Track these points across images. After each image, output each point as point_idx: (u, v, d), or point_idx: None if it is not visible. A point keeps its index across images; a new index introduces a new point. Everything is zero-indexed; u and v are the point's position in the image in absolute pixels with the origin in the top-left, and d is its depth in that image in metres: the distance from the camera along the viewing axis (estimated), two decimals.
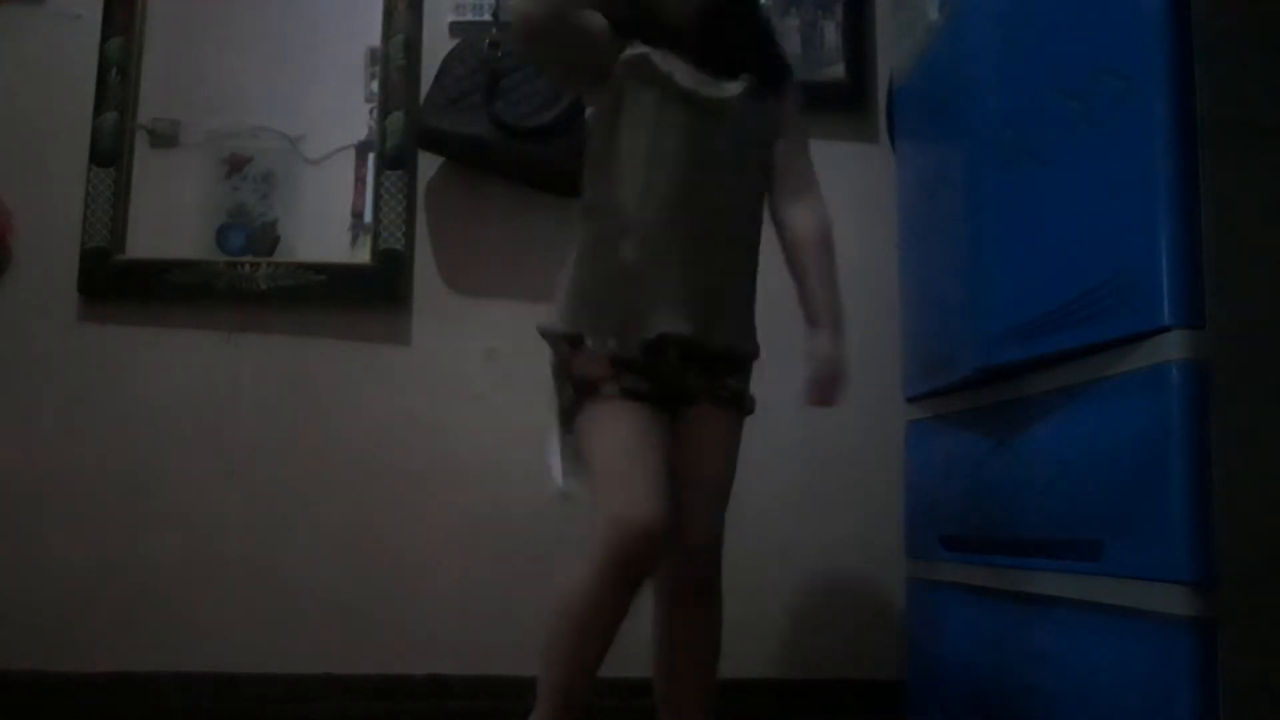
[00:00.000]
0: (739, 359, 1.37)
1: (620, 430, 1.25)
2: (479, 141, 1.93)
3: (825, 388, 1.34)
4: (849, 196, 2.09)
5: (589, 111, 1.39)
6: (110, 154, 2.03)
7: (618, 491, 1.20)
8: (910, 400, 1.85)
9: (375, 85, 2.09)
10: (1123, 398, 1.19)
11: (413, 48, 2.07)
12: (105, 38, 2.07)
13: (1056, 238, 1.32)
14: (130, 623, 1.92)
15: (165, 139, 2.11)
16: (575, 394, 1.29)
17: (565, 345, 1.31)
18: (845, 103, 2.11)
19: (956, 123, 1.64)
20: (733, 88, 1.32)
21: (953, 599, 1.63)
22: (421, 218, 2.06)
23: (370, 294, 2.02)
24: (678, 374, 1.30)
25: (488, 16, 2.08)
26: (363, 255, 2.04)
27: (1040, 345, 1.34)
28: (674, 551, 1.26)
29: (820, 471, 2.01)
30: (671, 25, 1.31)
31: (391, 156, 2.03)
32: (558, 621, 1.24)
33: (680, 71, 1.29)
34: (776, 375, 2.09)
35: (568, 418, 1.32)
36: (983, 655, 1.51)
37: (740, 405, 1.38)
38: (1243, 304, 1.11)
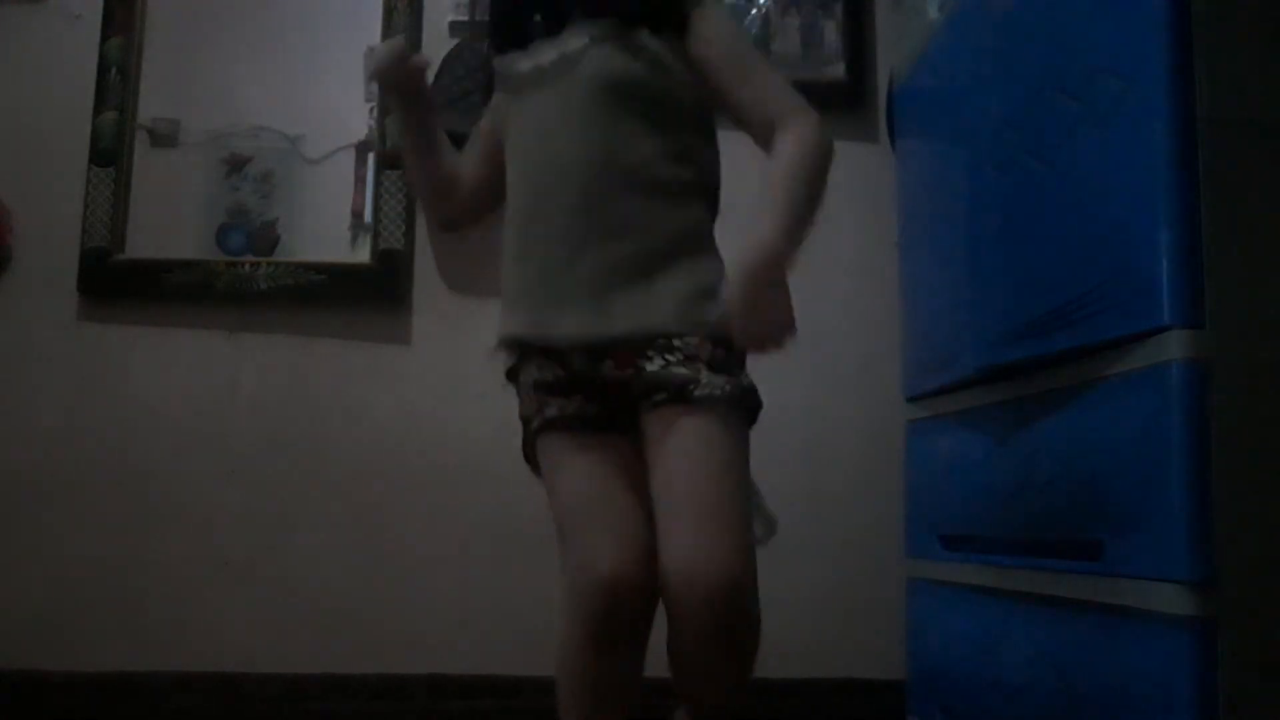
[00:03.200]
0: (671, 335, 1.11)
1: (566, 473, 1.13)
2: None
3: (744, 325, 1.03)
4: (849, 196, 2.09)
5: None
6: (110, 154, 2.03)
7: (577, 542, 1.09)
8: (910, 400, 1.85)
9: (375, 85, 2.09)
10: (1123, 398, 1.19)
11: (412, 48, 2.06)
12: (105, 37, 2.07)
13: (1057, 237, 1.32)
14: (130, 623, 1.92)
15: (165, 139, 2.11)
16: (525, 433, 1.19)
17: (509, 380, 1.23)
18: (845, 103, 2.11)
19: (956, 123, 1.64)
20: (575, 40, 1.16)
21: (953, 599, 1.63)
22: (421, 218, 2.06)
23: (370, 294, 2.02)
24: (605, 379, 1.13)
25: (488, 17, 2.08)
26: (363, 255, 2.04)
27: (1040, 345, 1.34)
28: (680, 600, 1.03)
29: (820, 471, 2.01)
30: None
31: (391, 156, 2.03)
32: (559, 684, 1.14)
33: (532, 54, 1.19)
34: (777, 375, 2.10)
35: (527, 457, 1.20)
36: (983, 655, 1.51)
37: (711, 397, 1.07)
38: (1243, 304, 1.11)
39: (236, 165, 2.10)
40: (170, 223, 2.08)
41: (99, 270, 2.01)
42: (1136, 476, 1.14)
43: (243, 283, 2.00)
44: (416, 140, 1.30)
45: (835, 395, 2.03)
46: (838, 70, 2.11)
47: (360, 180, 2.10)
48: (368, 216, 2.06)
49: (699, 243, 1.17)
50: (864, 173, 2.08)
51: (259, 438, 1.99)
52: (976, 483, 1.55)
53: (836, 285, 2.08)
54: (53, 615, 1.91)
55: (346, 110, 2.13)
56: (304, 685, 1.90)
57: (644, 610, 1.08)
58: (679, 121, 1.18)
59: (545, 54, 1.18)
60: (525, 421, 1.20)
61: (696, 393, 1.07)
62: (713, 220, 1.22)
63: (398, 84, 1.26)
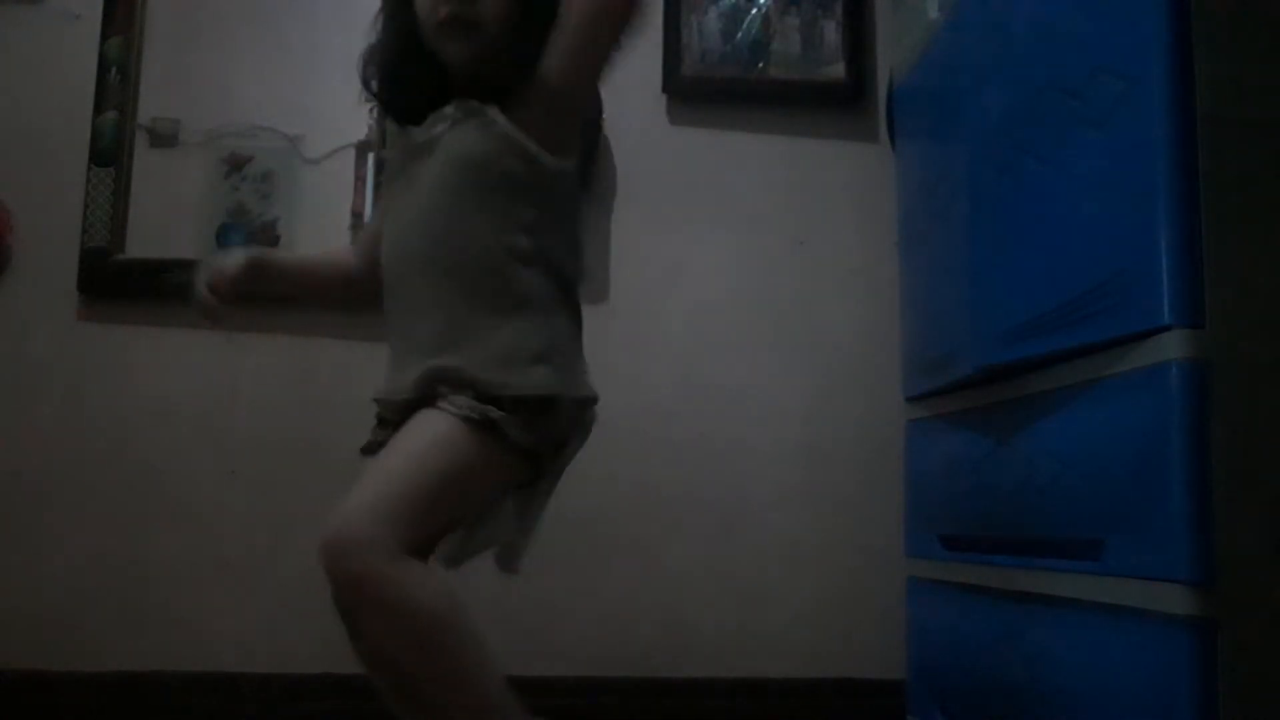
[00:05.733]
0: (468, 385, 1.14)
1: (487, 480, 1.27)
2: None
3: None
4: (849, 196, 2.10)
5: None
6: (110, 154, 2.03)
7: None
8: (910, 400, 1.85)
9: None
10: (1123, 397, 1.19)
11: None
12: (105, 37, 2.07)
13: (1056, 237, 1.32)
14: (130, 623, 1.92)
15: (165, 139, 2.11)
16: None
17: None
18: (845, 103, 2.11)
19: (956, 123, 1.64)
20: (443, 122, 1.21)
21: (953, 599, 1.63)
22: None
23: None
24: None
25: None
26: None
27: (1040, 345, 1.34)
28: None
29: (820, 471, 2.01)
30: (456, 78, 1.25)
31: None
32: (473, 663, 1.24)
33: (418, 128, 1.24)
34: (777, 375, 2.10)
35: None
36: (983, 655, 1.51)
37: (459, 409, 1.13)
38: (1243, 304, 1.11)
39: (236, 165, 2.10)
40: (170, 223, 2.08)
41: (99, 270, 2.01)
42: (1136, 476, 1.14)
43: None
44: (288, 293, 1.39)
45: (835, 395, 2.03)
46: (838, 70, 2.10)
47: (360, 180, 2.10)
48: (368, 216, 2.05)
49: (509, 305, 1.17)
50: (864, 173, 2.09)
51: (259, 437, 1.99)
52: (976, 483, 1.55)
53: (836, 285, 2.08)
54: (53, 615, 1.91)
55: (346, 110, 2.10)
56: (304, 685, 1.89)
57: None
58: (514, 197, 1.18)
59: (419, 135, 1.23)
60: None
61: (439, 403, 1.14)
62: (556, 287, 1.20)
63: (240, 295, 1.28)
